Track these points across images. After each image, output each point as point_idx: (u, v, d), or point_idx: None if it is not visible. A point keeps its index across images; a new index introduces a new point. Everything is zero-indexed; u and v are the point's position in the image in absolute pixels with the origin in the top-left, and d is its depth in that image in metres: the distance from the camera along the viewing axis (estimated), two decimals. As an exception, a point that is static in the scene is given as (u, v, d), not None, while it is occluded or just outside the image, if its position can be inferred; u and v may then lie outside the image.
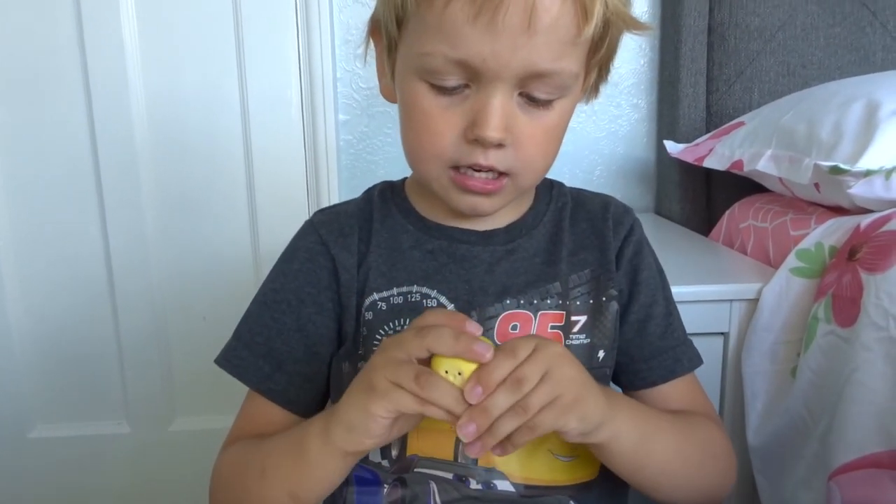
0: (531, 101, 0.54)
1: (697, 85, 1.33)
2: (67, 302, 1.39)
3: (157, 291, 1.39)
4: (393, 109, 1.48)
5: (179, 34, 1.31)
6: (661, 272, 0.68)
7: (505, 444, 0.49)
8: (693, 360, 0.67)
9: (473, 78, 0.53)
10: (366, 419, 0.49)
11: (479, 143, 0.54)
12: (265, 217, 1.39)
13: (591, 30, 0.51)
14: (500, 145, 0.54)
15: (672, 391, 0.65)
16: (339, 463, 0.54)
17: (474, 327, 0.49)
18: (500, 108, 0.53)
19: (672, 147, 1.28)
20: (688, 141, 1.30)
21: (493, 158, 0.55)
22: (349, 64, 1.42)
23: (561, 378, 0.50)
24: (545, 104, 0.55)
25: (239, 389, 0.65)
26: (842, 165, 0.83)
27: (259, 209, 1.39)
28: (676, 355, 0.66)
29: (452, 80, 0.53)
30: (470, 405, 0.48)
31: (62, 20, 1.27)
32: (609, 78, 0.63)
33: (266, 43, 1.33)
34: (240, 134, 1.36)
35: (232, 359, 0.64)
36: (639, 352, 0.65)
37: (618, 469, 0.57)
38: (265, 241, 1.40)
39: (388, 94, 0.63)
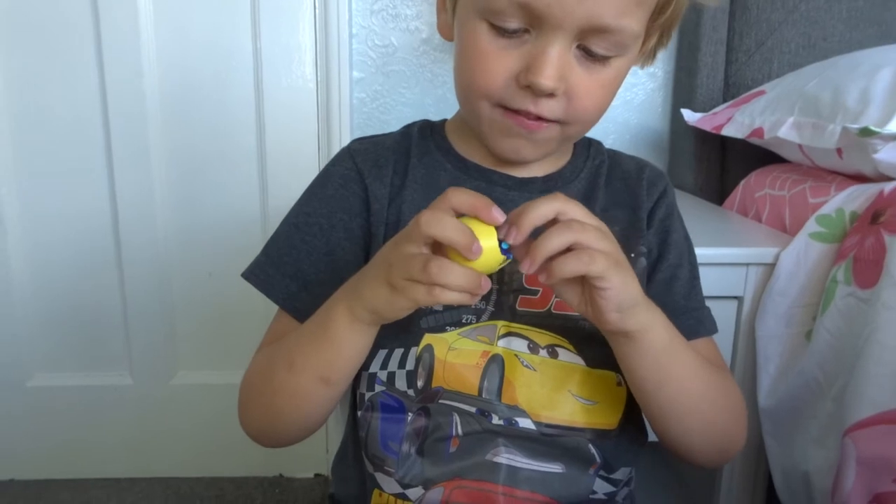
0: (589, 55, 0.54)
1: (717, 54, 1.32)
2: (72, 251, 1.38)
3: (162, 244, 1.39)
4: (408, 68, 1.47)
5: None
6: (688, 239, 0.69)
7: (551, 269, 0.49)
8: (712, 326, 0.67)
9: (535, 23, 0.53)
10: (390, 309, 0.51)
11: (531, 89, 0.54)
12: (274, 173, 1.38)
13: None
14: (551, 95, 0.54)
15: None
16: (368, 336, 0.55)
17: (498, 214, 0.49)
18: (556, 57, 0.53)
19: (689, 115, 1.27)
20: (704, 111, 1.29)
21: (542, 107, 0.55)
22: (365, 20, 1.40)
23: (608, 237, 0.51)
24: (602, 60, 0.55)
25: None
26: (872, 127, 0.82)
27: (269, 165, 1.38)
28: (699, 317, 0.66)
29: (514, 23, 0.53)
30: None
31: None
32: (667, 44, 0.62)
33: (281, -5, 1.31)
34: (251, 87, 1.34)
35: (259, 274, 0.64)
36: (663, 309, 0.65)
37: (642, 373, 0.56)
38: (274, 196, 1.39)
39: (445, 30, 0.63)
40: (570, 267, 0.49)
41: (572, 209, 0.50)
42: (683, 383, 0.57)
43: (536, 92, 0.54)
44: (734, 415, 0.63)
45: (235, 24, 1.31)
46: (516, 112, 0.56)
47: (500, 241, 0.49)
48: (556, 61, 0.53)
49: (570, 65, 0.54)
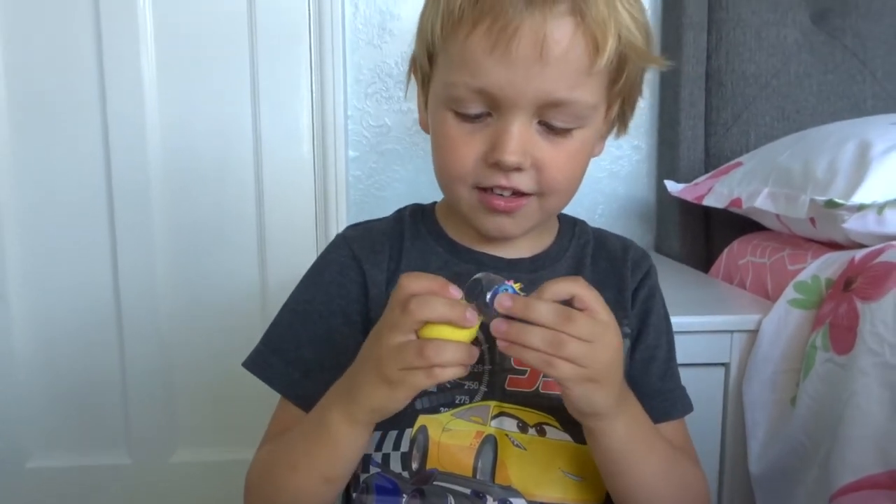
0: (550, 129, 0.57)
1: (696, 128, 1.38)
2: (74, 328, 1.40)
3: (163, 322, 1.41)
4: (401, 146, 1.53)
5: (197, 70, 1.36)
6: (667, 319, 0.71)
7: (515, 347, 0.51)
8: (685, 407, 0.69)
9: (494, 106, 0.57)
10: (391, 403, 0.53)
11: (499, 166, 0.57)
12: (274, 250, 1.42)
13: (603, 61, 0.55)
14: (518, 169, 0.57)
15: (663, 432, 0.65)
16: (367, 434, 0.57)
17: (455, 291, 0.51)
18: (517, 133, 0.56)
19: (672, 186, 1.32)
20: (687, 181, 1.34)
21: (514, 180, 0.58)
22: (360, 102, 1.46)
23: (599, 355, 0.52)
24: (563, 132, 0.58)
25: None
26: (837, 199, 0.86)
27: (268, 242, 1.42)
28: (672, 400, 0.68)
29: (475, 108, 0.57)
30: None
31: (83, 51, 1.33)
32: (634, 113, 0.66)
33: (280, 80, 1.38)
34: (251, 167, 1.40)
35: (260, 363, 0.65)
36: (638, 389, 0.65)
37: (599, 463, 0.59)
38: (273, 274, 1.42)
39: (424, 125, 0.67)
40: (530, 359, 0.51)
41: (587, 296, 0.52)
42: (641, 478, 0.59)
43: (503, 168, 0.57)
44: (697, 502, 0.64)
45: (236, 107, 1.38)
46: (491, 190, 0.59)
47: (499, 286, 0.51)
48: (518, 137, 0.56)
49: (534, 140, 0.57)
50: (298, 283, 0.68)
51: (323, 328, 0.64)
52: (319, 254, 0.69)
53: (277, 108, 1.39)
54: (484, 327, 0.63)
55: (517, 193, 0.59)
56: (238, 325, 1.37)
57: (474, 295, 0.52)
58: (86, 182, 1.37)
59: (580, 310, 0.52)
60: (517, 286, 0.52)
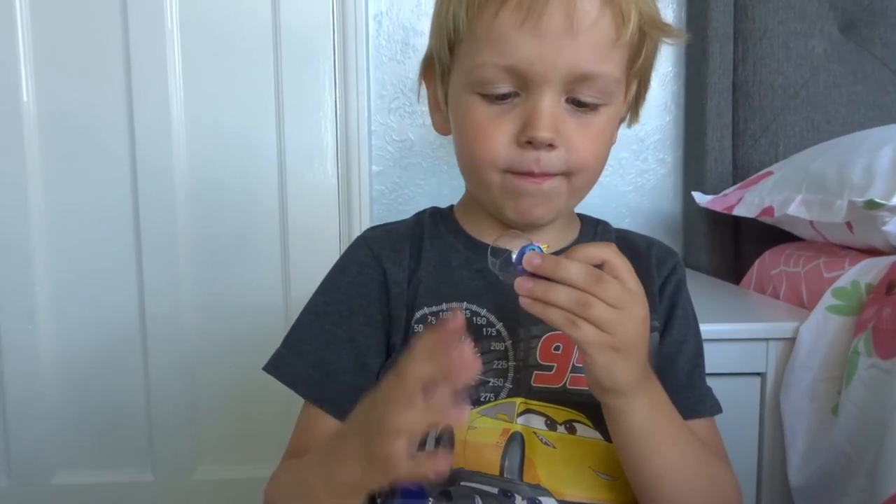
0: (579, 105, 0.57)
1: (724, 139, 1.37)
2: (99, 347, 1.41)
3: (187, 339, 1.41)
4: (424, 161, 1.53)
5: (222, 86, 1.37)
6: (694, 317, 0.69)
7: (546, 312, 0.50)
8: (714, 406, 0.67)
9: (522, 84, 0.56)
10: (389, 478, 0.47)
11: (532, 144, 0.56)
12: (297, 265, 1.42)
13: (628, 32, 0.55)
14: (551, 146, 0.57)
15: (693, 429, 0.63)
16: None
17: (457, 321, 0.45)
18: (549, 109, 0.56)
19: (700, 198, 1.30)
20: (715, 194, 1.32)
21: (544, 163, 0.57)
22: (383, 117, 1.47)
23: (625, 324, 0.50)
24: (592, 108, 0.58)
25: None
26: (878, 199, 0.84)
27: (292, 258, 1.42)
28: (700, 396, 0.66)
29: (503, 88, 0.57)
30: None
31: (111, 68, 1.34)
32: (646, 97, 0.66)
33: (304, 96, 1.39)
34: (276, 182, 1.40)
35: (281, 366, 0.64)
36: (665, 385, 0.64)
37: (620, 448, 0.57)
38: (297, 288, 1.42)
39: (441, 126, 0.67)
40: (553, 317, 0.50)
41: (618, 263, 0.51)
42: (665, 470, 0.57)
43: (537, 145, 0.56)
44: None
45: (261, 122, 1.39)
46: (522, 175, 0.58)
47: (527, 245, 0.50)
48: (550, 113, 0.56)
49: (563, 117, 0.57)
50: (319, 286, 0.67)
51: (345, 329, 0.63)
52: (340, 256, 0.69)
53: (301, 123, 1.40)
54: (507, 321, 0.62)
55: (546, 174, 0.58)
56: (261, 342, 1.34)
57: (499, 254, 0.51)
58: (112, 198, 1.38)
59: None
60: (544, 247, 0.51)
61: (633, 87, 0.63)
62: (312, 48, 1.39)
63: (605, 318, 0.50)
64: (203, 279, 1.41)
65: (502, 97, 0.57)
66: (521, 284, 0.50)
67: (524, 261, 0.49)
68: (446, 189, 1.48)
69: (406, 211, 1.50)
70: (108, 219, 1.38)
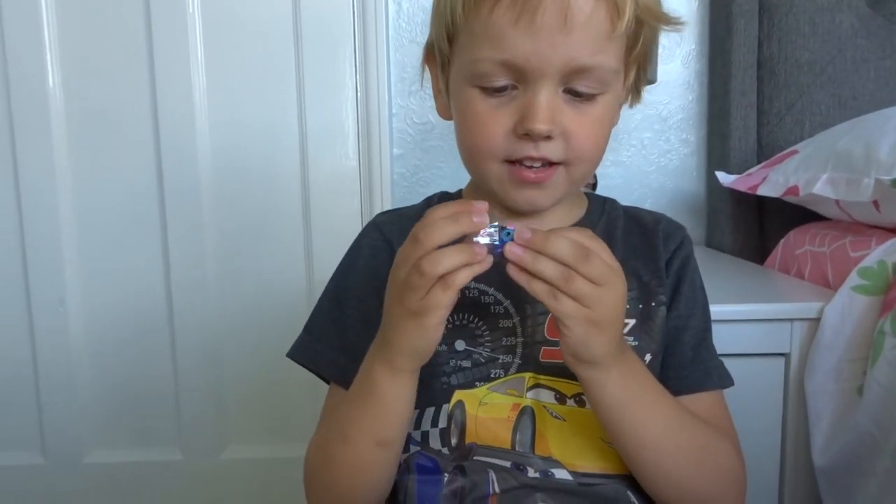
0: (576, 95, 0.58)
1: (748, 118, 1.35)
2: (128, 330, 1.44)
3: (213, 321, 1.43)
4: (445, 144, 1.53)
5: (244, 72, 1.39)
6: (703, 291, 0.69)
7: (531, 284, 0.51)
8: (723, 378, 0.66)
9: (520, 78, 0.57)
10: (424, 338, 0.53)
11: (529, 136, 0.57)
12: (320, 249, 1.43)
13: (623, 24, 0.56)
14: (548, 137, 0.57)
15: (696, 404, 0.63)
16: (411, 385, 0.56)
17: (481, 205, 0.50)
18: (545, 102, 0.56)
19: (724, 178, 1.29)
20: (739, 174, 1.30)
21: (543, 150, 0.58)
22: (404, 100, 1.47)
23: (605, 299, 0.51)
24: (589, 98, 0.58)
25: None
26: (904, 177, 0.83)
27: (315, 241, 1.43)
28: (707, 369, 0.66)
29: (501, 81, 0.58)
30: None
31: (135, 60, 1.37)
32: (651, 79, 0.67)
33: (325, 80, 1.40)
34: (297, 166, 1.41)
35: (306, 352, 0.66)
36: (671, 360, 0.65)
37: (602, 421, 0.57)
38: (319, 272, 1.43)
39: (444, 111, 0.67)
40: (536, 289, 0.51)
41: (596, 247, 0.52)
42: (647, 441, 0.57)
43: (534, 137, 0.57)
44: (721, 477, 0.61)
45: (282, 107, 1.40)
46: (521, 163, 0.59)
47: (502, 229, 0.51)
48: (546, 106, 0.56)
49: (561, 108, 0.57)
50: (334, 272, 0.69)
51: (361, 312, 0.65)
52: (353, 241, 0.70)
53: (322, 107, 1.40)
54: (514, 299, 0.62)
55: (546, 164, 0.59)
56: (286, 324, 1.38)
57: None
58: (138, 185, 1.40)
59: None
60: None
61: (633, 72, 0.63)
62: (332, 31, 1.39)
63: (586, 293, 0.50)
64: (227, 263, 1.43)
65: (500, 90, 0.58)
66: (512, 250, 0.50)
67: (516, 233, 0.50)
68: (466, 171, 1.48)
69: (427, 193, 1.50)
70: (133, 205, 1.40)
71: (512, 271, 0.51)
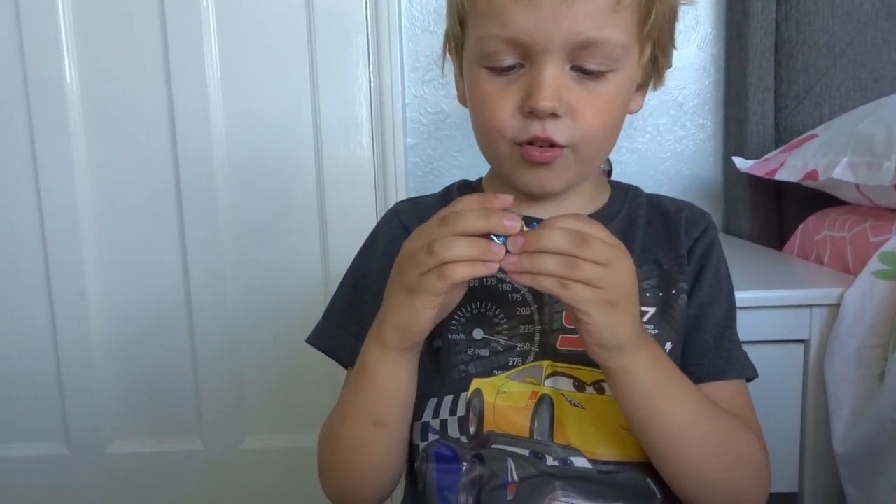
0: (584, 73, 0.57)
1: (766, 102, 1.33)
2: (147, 322, 1.45)
3: (231, 313, 1.44)
4: (459, 133, 1.52)
5: (257, 64, 1.39)
6: (728, 279, 0.68)
7: (537, 281, 0.50)
8: (746, 368, 0.65)
9: (525, 55, 0.57)
10: (413, 315, 0.53)
11: (535, 113, 0.56)
12: (335, 239, 1.44)
13: None
14: (554, 115, 0.56)
15: (717, 392, 0.62)
16: (403, 365, 0.56)
17: (505, 199, 0.51)
18: (551, 79, 0.56)
19: (741, 163, 1.27)
20: (757, 158, 1.29)
21: (550, 130, 0.57)
22: (417, 90, 1.47)
23: (615, 277, 0.50)
24: (598, 76, 0.57)
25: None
26: (926, 160, 0.81)
27: (330, 232, 1.44)
28: (730, 358, 0.65)
29: (507, 60, 0.57)
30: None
31: (150, 55, 1.37)
32: (671, 60, 0.65)
33: (338, 71, 1.39)
34: (312, 158, 1.42)
35: (325, 338, 0.67)
36: (691, 347, 0.64)
37: (627, 413, 0.56)
38: (335, 262, 1.44)
39: (462, 98, 0.67)
40: (545, 284, 0.50)
41: (591, 230, 0.51)
42: (674, 431, 0.56)
43: (539, 115, 0.56)
44: (746, 468, 0.61)
45: (296, 99, 1.40)
46: (529, 143, 0.58)
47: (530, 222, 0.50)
48: (551, 83, 0.56)
49: (568, 85, 0.57)
50: (353, 259, 0.70)
51: (379, 298, 0.64)
52: (371, 229, 0.70)
53: (336, 98, 1.40)
54: (531, 295, 0.62)
55: (553, 146, 0.58)
56: (302, 314, 1.39)
57: None
58: (155, 181, 1.41)
59: None
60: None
61: (648, 50, 0.61)
62: (345, 22, 1.39)
63: (596, 275, 0.50)
64: (244, 255, 1.44)
65: (508, 69, 0.58)
66: (507, 259, 0.50)
67: (509, 244, 0.50)
68: (481, 161, 1.45)
69: (441, 183, 1.49)
70: (151, 198, 1.41)
71: (514, 277, 0.51)
